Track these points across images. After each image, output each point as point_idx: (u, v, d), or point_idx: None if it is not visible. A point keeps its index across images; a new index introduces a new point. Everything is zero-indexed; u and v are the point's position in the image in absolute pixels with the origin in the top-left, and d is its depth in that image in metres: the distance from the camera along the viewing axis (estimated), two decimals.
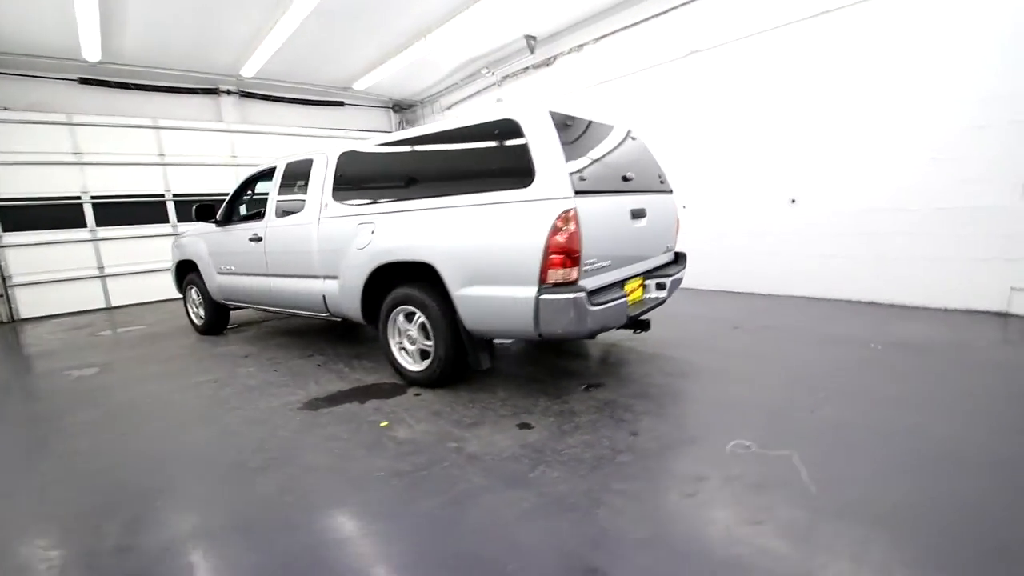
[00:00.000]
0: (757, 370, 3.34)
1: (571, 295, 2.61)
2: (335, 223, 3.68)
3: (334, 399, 3.27)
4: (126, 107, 8.09)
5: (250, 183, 4.85)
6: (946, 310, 4.50)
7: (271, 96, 9.45)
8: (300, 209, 4.02)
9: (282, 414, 3.06)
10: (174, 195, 8.50)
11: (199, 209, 4.86)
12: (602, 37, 6.99)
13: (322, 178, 3.88)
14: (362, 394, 3.33)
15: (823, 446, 2.30)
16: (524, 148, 2.73)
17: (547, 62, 7.88)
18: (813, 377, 3.17)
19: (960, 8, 4.15)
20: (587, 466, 2.23)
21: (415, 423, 2.81)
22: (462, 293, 2.92)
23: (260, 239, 4.31)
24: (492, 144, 2.92)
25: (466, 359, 3.15)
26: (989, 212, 4.19)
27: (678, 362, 3.60)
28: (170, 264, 5.88)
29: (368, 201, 3.48)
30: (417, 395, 3.25)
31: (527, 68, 8.22)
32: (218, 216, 4.90)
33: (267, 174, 4.67)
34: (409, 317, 3.34)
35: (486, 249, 2.81)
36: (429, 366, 3.26)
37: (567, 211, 2.59)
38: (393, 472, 2.28)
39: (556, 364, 3.71)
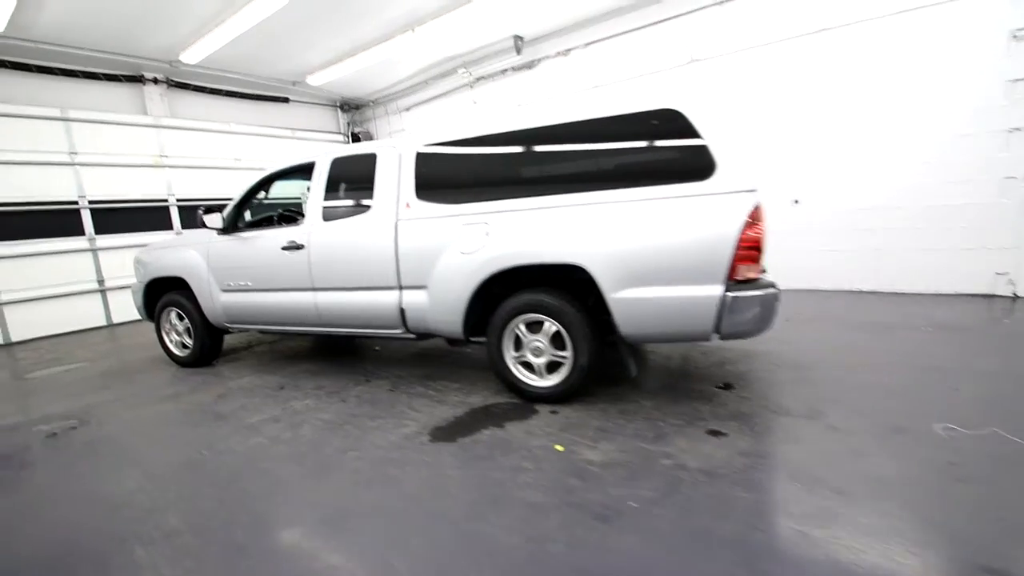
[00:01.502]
0: (857, 358, 3.51)
1: (763, 291, 2.52)
2: (423, 225, 3.22)
3: (461, 427, 2.83)
4: (27, 93, 6.50)
5: (266, 184, 4.11)
6: (939, 295, 5.15)
7: (205, 88, 8.20)
8: (363, 211, 3.47)
9: (416, 449, 2.57)
10: (90, 201, 6.99)
11: (208, 213, 4.00)
12: (593, 43, 7.05)
13: (395, 176, 3.38)
14: (487, 418, 2.93)
15: (1012, 419, 2.44)
16: (698, 139, 2.59)
17: (529, 65, 7.78)
18: (913, 358, 3.40)
19: (950, 30, 4.80)
20: (846, 461, 2.14)
21: (592, 443, 2.51)
22: (621, 296, 2.69)
23: (300, 247, 3.64)
24: (650, 135, 2.74)
25: (601, 370, 2.91)
26: (974, 208, 4.87)
27: (773, 356, 3.67)
28: (134, 284, 4.79)
29: (476, 199, 3.09)
30: (554, 412, 2.93)
31: (505, 71, 8.05)
32: (222, 222, 4.07)
33: (293, 172, 4.00)
34: (534, 327, 3.01)
35: (655, 247, 2.62)
36: (565, 379, 2.96)
37: (758, 204, 2.51)
38: (643, 500, 2.00)
39: (654, 366, 3.58)
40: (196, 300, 4.29)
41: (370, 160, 3.52)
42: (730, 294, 2.51)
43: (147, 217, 7.55)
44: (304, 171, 3.99)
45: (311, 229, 3.64)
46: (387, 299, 3.41)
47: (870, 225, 5.42)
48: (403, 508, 2.08)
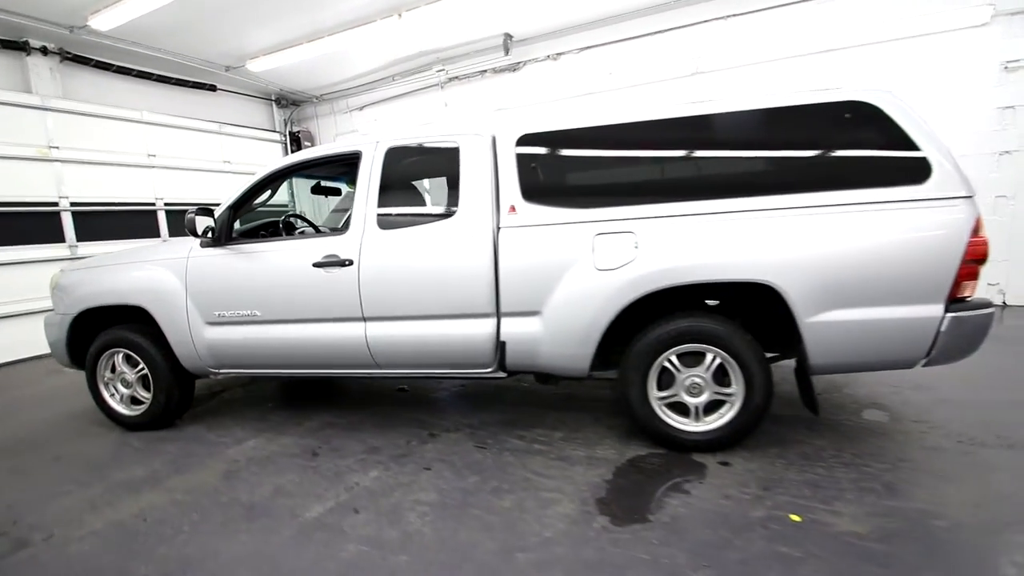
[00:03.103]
0: (966, 371, 3.40)
1: (984, 311, 2.21)
2: (537, 235, 2.52)
3: (629, 496, 2.16)
4: None
5: (274, 181, 3.09)
6: None
7: (111, 66, 6.53)
8: (442, 217, 2.67)
9: (609, 540, 1.85)
10: None
11: (202, 214, 2.86)
12: (588, 48, 6.73)
13: (488, 173, 2.64)
14: (648, 478, 2.29)
15: None
16: (905, 138, 2.24)
17: (513, 67, 7.25)
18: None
19: (949, 59, 5.14)
20: None
21: (824, 504, 2.00)
22: (819, 320, 2.23)
23: (345, 263, 2.72)
24: (845, 131, 2.34)
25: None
26: None
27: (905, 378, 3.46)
28: (50, 317, 3.39)
29: (616, 202, 2.46)
30: (725, 464, 2.37)
31: (484, 72, 7.44)
32: (212, 230, 2.96)
33: (320, 166, 3.08)
34: (687, 359, 2.44)
35: (866, 262, 2.20)
36: (731, 422, 2.42)
37: (979, 212, 2.21)
38: None
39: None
40: (163, 337, 3.09)
41: (449, 152, 2.74)
42: (950, 314, 2.17)
43: (30, 225, 5.72)
44: (340, 163, 3.10)
45: (362, 240, 2.74)
46: (478, 330, 2.63)
47: None
48: None
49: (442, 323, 2.68)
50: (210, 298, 2.99)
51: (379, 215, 2.75)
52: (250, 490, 2.42)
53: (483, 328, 2.63)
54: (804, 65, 5.69)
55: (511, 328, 2.59)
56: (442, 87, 7.82)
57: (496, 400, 3.42)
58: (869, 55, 5.43)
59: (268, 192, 3.20)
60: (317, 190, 3.94)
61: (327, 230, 3.54)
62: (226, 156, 8.03)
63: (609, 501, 2.13)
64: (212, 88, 7.76)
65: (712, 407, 2.48)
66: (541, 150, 2.64)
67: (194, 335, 3.03)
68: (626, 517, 2.00)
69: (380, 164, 2.81)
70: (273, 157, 9.02)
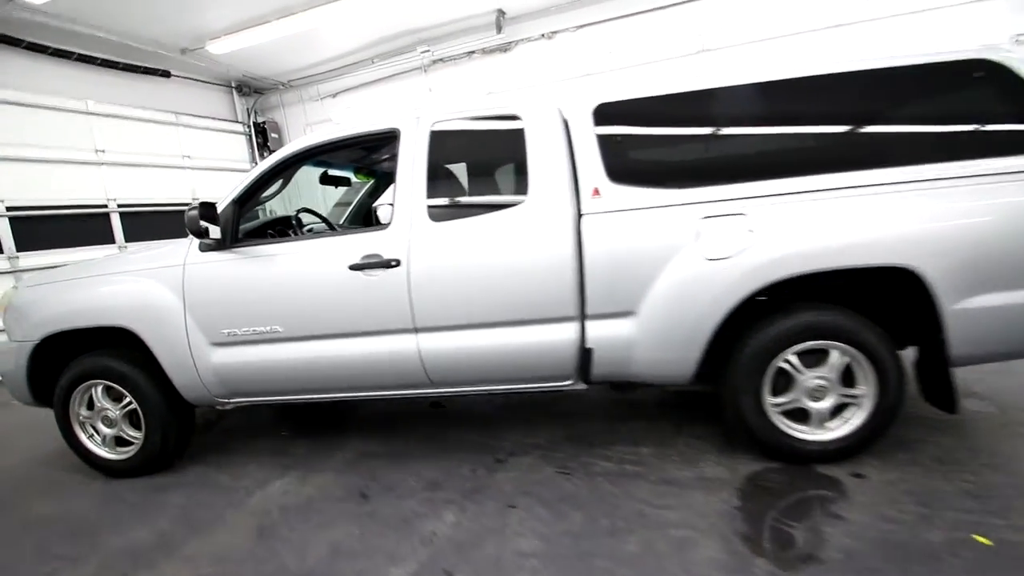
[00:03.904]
0: None
1: None
2: (629, 221, 2.13)
3: (774, 528, 1.82)
4: None
5: (287, 168, 2.56)
6: None
7: (47, 48, 5.62)
8: (509, 206, 2.24)
9: None
10: None
11: (206, 211, 2.29)
12: (586, 25, 6.36)
13: (563, 151, 2.23)
14: (782, 500, 1.96)
15: None
16: None
17: (504, 48, 6.79)
18: None
19: (959, 32, 5.07)
20: None
21: (996, 519, 1.73)
22: (965, 306, 1.95)
23: (390, 264, 2.25)
24: (979, 92, 2.06)
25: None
26: None
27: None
28: (3, 345, 2.74)
29: (723, 179, 2.10)
30: (859, 477, 2.08)
31: (472, 53, 6.94)
32: (215, 231, 2.40)
33: (344, 148, 2.58)
34: (807, 359, 2.13)
35: (1017, 238, 1.94)
36: (860, 429, 2.13)
37: None
38: None
39: None
40: (156, 363, 2.52)
41: (509, 127, 2.30)
42: None
43: None
44: (369, 146, 2.60)
45: (411, 236, 2.27)
46: (558, 336, 2.22)
47: None
48: None
49: (512, 331, 2.26)
50: (217, 313, 2.44)
51: (430, 206, 2.29)
52: (299, 553, 1.94)
53: (564, 334, 2.22)
54: (813, 41, 5.52)
55: (598, 332, 2.20)
56: (425, 70, 7.28)
57: (549, 411, 3.03)
58: (878, 29, 5.32)
59: (280, 182, 2.66)
60: (326, 179, 3.39)
61: (345, 226, 3.04)
62: (185, 150, 7.21)
63: (755, 536, 1.79)
64: (165, 74, 6.91)
65: (834, 412, 2.18)
66: (626, 122, 2.24)
67: (197, 359, 2.48)
68: (790, 557, 1.66)
69: (426, 144, 2.33)
70: (238, 151, 8.23)
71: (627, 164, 2.21)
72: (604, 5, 6.17)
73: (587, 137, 2.22)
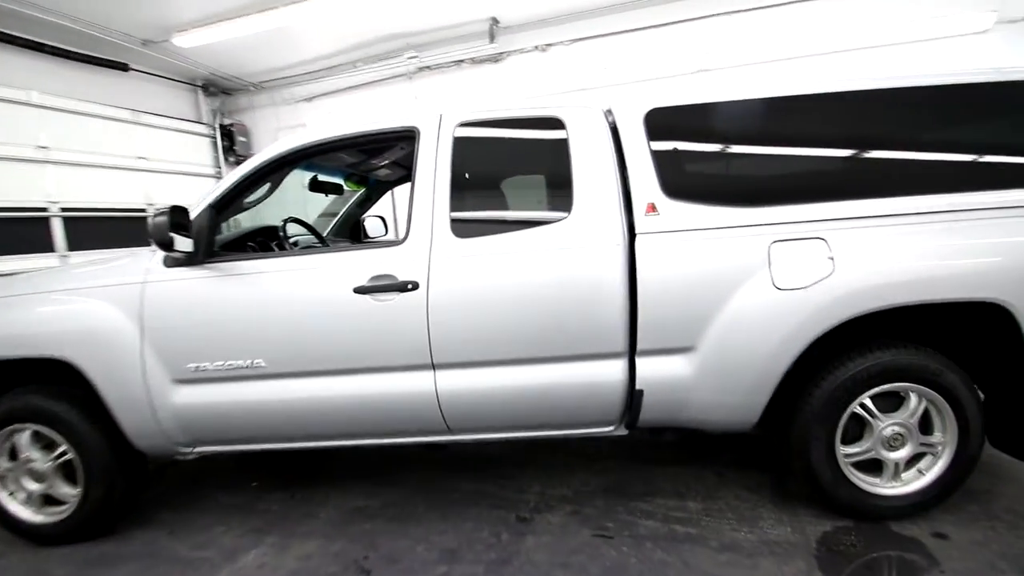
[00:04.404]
0: None
1: None
2: (692, 243, 1.84)
3: None
4: None
5: (274, 171, 2.14)
6: None
7: None
8: (548, 223, 1.92)
9: None
10: None
11: (175, 215, 1.83)
12: (581, 39, 6.17)
13: (608, 159, 1.93)
14: (870, 574, 1.68)
15: None
16: None
17: (495, 58, 6.53)
18: None
19: (957, 65, 5.14)
20: None
21: None
22: None
23: (407, 287, 1.87)
24: None
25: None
26: None
27: None
28: None
29: (801, 198, 1.84)
30: (941, 537, 1.83)
31: (462, 62, 6.65)
32: (184, 242, 1.95)
33: (354, 145, 2.21)
34: (882, 404, 1.88)
35: None
36: (941, 477, 1.89)
37: None
38: None
39: None
40: (101, 403, 2.03)
41: (550, 130, 1.99)
42: None
43: None
44: (376, 147, 2.26)
45: (431, 254, 1.91)
46: (603, 375, 1.90)
47: None
48: None
49: (548, 369, 1.92)
50: (183, 343, 1.99)
51: (455, 219, 1.94)
52: None
53: (610, 372, 1.90)
54: (811, 66, 5.52)
55: (650, 371, 1.89)
56: (411, 77, 6.92)
57: (568, 451, 2.68)
58: (874, 58, 5.35)
59: (267, 185, 2.25)
60: (316, 186, 2.98)
61: (330, 239, 2.63)
62: (142, 151, 6.56)
63: None
64: (123, 67, 6.28)
65: (907, 462, 1.93)
66: (684, 129, 1.97)
67: (154, 399, 2.01)
68: None
69: (450, 146, 1.99)
70: (201, 154, 7.60)
71: (686, 177, 1.93)
72: (601, 20, 6.02)
73: (639, 145, 1.93)
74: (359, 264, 1.94)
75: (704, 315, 1.84)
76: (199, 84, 7.51)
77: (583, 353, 1.90)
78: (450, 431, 2.02)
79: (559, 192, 1.95)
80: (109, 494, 2.12)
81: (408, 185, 2.04)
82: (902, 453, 1.90)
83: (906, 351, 1.85)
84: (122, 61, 6.25)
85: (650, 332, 1.87)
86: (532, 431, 2.05)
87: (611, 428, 2.01)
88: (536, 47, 6.34)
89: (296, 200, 3.75)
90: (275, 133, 7.80)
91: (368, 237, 3.76)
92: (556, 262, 1.88)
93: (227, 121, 7.83)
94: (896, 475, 1.93)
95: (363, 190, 3.48)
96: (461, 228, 1.93)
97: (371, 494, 2.40)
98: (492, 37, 6.14)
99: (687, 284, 1.84)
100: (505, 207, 2.13)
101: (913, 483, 1.92)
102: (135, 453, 2.14)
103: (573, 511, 2.15)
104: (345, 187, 3.20)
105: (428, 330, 1.89)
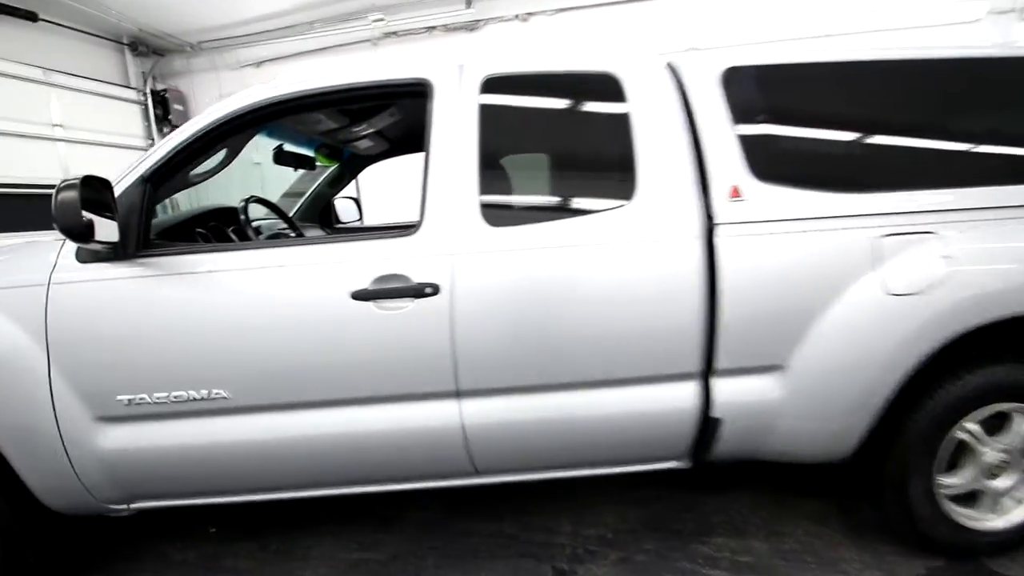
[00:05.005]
0: None
1: None
2: (786, 236, 1.47)
3: None
4: None
5: (247, 126, 1.61)
6: None
7: None
8: (601, 210, 1.50)
9: None
10: None
11: (89, 190, 1.27)
12: (565, 10, 5.72)
13: (680, 129, 1.53)
14: None
15: None
16: None
17: (471, 26, 5.97)
18: None
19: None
20: None
21: None
22: None
23: (427, 291, 1.41)
24: None
25: None
26: None
27: None
28: None
29: (914, 184, 1.50)
30: None
31: (433, 28, 6.05)
32: (107, 227, 1.40)
33: (341, 100, 1.73)
34: (989, 427, 1.61)
35: None
36: None
37: None
38: None
39: None
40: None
41: (600, 90, 1.56)
42: None
43: None
44: (371, 104, 1.78)
45: (455, 246, 1.45)
46: (670, 400, 1.53)
47: None
48: None
49: (604, 394, 1.53)
50: (109, 368, 1.45)
51: (485, 203, 1.48)
52: None
53: (680, 397, 1.53)
54: (805, 47, 5.32)
55: (730, 394, 1.53)
56: (375, 43, 6.25)
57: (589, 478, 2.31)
58: (863, 43, 5.21)
59: (224, 152, 1.71)
60: (282, 157, 2.42)
61: (305, 226, 2.11)
62: (56, 117, 5.59)
63: None
64: (30, 16, 5.25)
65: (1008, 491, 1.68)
66: (775, 96, 1.59)
67: (70, 444, 1.46)
68: None
69: (475, 106, 1.52)
70: (129, 123, 6.63)
71: (778, 155, 1.55)
72: None
73: (716, 114, 1.54)
74: (357, 261, 1.46)
75: (798, 326, 1.49)
76: (126, 42, 6.52)
77: (647, 375, 1.52)
78: (477, 472, 1.60)
79: (617, 169, 1.53)
80: (16, 568, 1.57)
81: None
82: (1005, 482, 1.65)
83: (1014, 367, 1.58)
84: (29, 9, 5.23)
85: (732, 348, 1.50)
86: (575, 469, 1.66)
87: (675, 463, 1.65)
88: (517, 16, 5.84)
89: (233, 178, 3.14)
90: (217, 101, 6.93)
91: (340, 222, 3.24)
92: (615, 260, 1.47)
93: (160, 86, 6.88)
94: (996, 506, 1.67)
95: (336, 166, 2.94)
96: (493, 215, 1.48)
97: (369, 543, 1.93)
98: (469, 2, 5.58)
99: (779, 288, 1.48)
100: (547, 188, 1.69)
101: (1014, 513, 1.68)
102: (47, 514, 1.58)
103: (620, 559, 1.78)
104: (324, 164, 2.65)
105: (453, 347, 1.45)
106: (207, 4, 5.69)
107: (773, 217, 1.48)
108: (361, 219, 3.52)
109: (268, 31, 6.29)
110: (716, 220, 1.48)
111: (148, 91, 6.79)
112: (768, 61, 1.59)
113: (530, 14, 5.83)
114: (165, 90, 6.89)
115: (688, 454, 1.63)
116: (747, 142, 1.52)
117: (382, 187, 5.34)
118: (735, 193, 1.50)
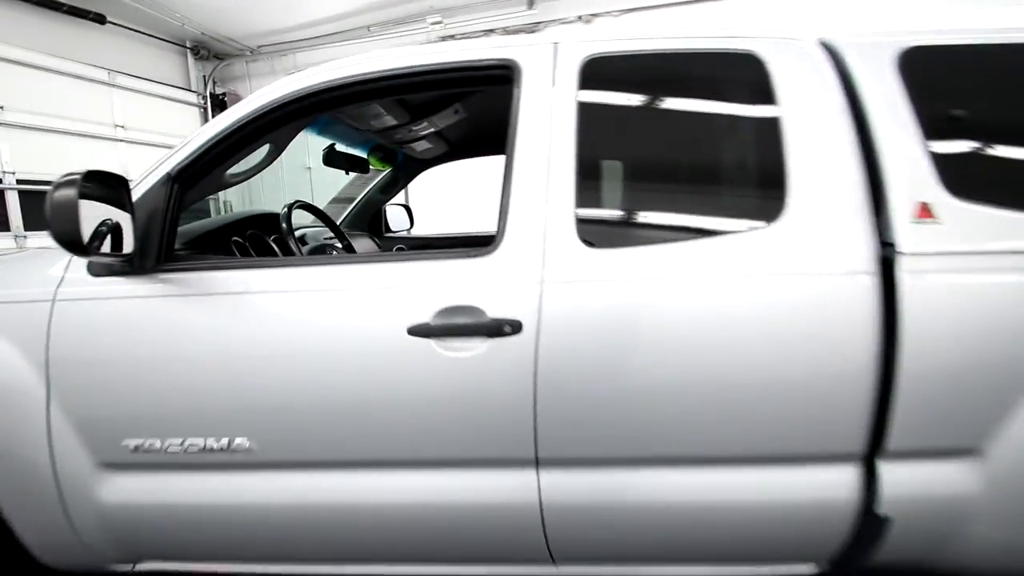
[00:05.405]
0: None
1: None
2: (992, 271, 1.07)
3: None
4: None
5: (294, 117, 1.35)
6: None
7: None
8: (737, 227, 1.14)
9: None
10: None
11: (97, 187, 1.04)
12: (630, 10, 5.38)
13: (841, 124, 1.15)
14: None
15: None
16: None
17: (531, 28, 5.72)
18: None
19: None
20: None
21: None
22: None
23: (505, 328, 1.08)
24: None
25: None
26: None
27: None
28: None
29: None
30: None
31: (492, 31, 5.83)
32: (101, 236, 1.15)
33: (403, 86, 1.44)
34: None
35: None
36: None
37: None
38: None
39: None
40: None
41: (742, 74, 1.20)
42: None
43: None
44: (433, 96, 1.51)
45: (543, 272, 1.13)
46: (819, 486, 1.14)
47: None
48: None
49: (726, 474, 1.16)
50: (116, 407, 1.20)
51: (582, 219, 1.15)
52: None
53: (832, 485, 1.14)
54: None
55: (904, 484, 1.12)
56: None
57: None
58: None
59: (269, 146, 1.45)
60: (334, 159, 2.17)
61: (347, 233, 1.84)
62: (119, 118, 5.69)
63: None
64: (99, 19, 5.38)
65: None
66: (973, 87, 1.19)
67: (68, 492, 1.22)
68: None
69: (574, 95, 1.20)
70: (189, 124, 6.72)
71: (983, 163, 1.15)
72: None
73: (894, 108, 1.15)
74: (418, 286, 1.15)
75: (1005, 397, 1.08)
76: (189, 46, 6.64)
77: (790, 453, 1.14)
78: (552, 561, 1.25)
79: (758, 178, 1.18)
80: None
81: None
82: None
83: None
84: (98, 12, 5.35)
85: (910, 422, 1.10)
86: (675, 565, 1.28)
87: (813, 568, 1.25)
88: (580, 17, 5.53)
89: (282, 181, 2.94)
90: None
91: (390, 231, 2.99)
92: (755, 298, 1.10)
93: (219, 90, 6.96)
94: None
95: (388, 170, 2.69)
96: (593, 232, 1.14)
97: None
98: (531, 3, 5.32)
99: (982, 344, 1.07)
100: (662, 201, 1.33)
101: None
102: (38, 570, 1.35)
103: None
104: (377, 167, 2.40)
105: (534, 403, 1.12)
106: (267, 9, 5.68)
107: (977, 247, 1.08)
108: (411, 228, 3.28)
109: (325, 35, 6.26)
110: (898, 248, 1.09)
111: (208, 94, 6.90)
112: (965, 40, 1.19)
113: (594, 15, 5.52)
114: (224, 94, 6.98)
115: (832, 559, 1.23)
116: (937, 145, 1.12)
117: (429, 194, 5.14)
118: (924, 212, 1.10)
